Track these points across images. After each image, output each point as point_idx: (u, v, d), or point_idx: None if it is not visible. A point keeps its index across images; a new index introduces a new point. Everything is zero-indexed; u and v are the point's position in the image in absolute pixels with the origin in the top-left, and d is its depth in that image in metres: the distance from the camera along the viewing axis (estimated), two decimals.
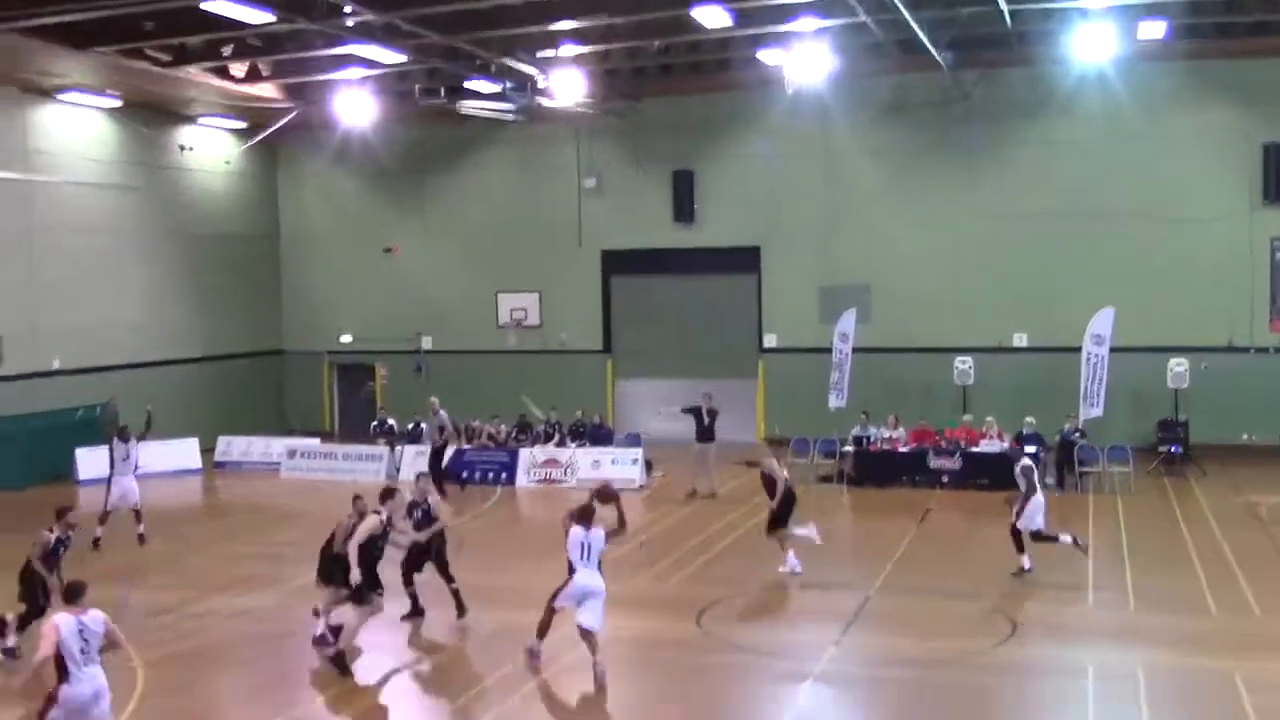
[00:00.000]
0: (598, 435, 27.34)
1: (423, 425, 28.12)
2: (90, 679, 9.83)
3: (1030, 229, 27.63)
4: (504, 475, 25.62)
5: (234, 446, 28.35)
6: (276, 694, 12.82)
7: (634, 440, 27.29)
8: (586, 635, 12.46)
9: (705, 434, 23.90)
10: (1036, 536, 16.74)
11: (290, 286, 34.18)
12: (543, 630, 12.89)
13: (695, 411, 24.14)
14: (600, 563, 12.69)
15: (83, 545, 17.63)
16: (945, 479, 23.79)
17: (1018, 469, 17.17)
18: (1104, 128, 27.14)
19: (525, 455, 25.97)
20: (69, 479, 25.22)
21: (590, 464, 25.34)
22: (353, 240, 33.11)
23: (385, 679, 13.31)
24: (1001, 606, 15.14)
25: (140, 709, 12.16)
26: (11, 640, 13.65)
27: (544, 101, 26.45)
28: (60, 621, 9.86)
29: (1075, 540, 16.84)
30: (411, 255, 32.45)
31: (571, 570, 12.65)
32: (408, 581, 15.05)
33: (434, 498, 16.16)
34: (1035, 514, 16.71)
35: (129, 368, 28.19)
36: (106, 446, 20.21)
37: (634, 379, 31.55)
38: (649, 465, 25.42)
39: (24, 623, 13.70)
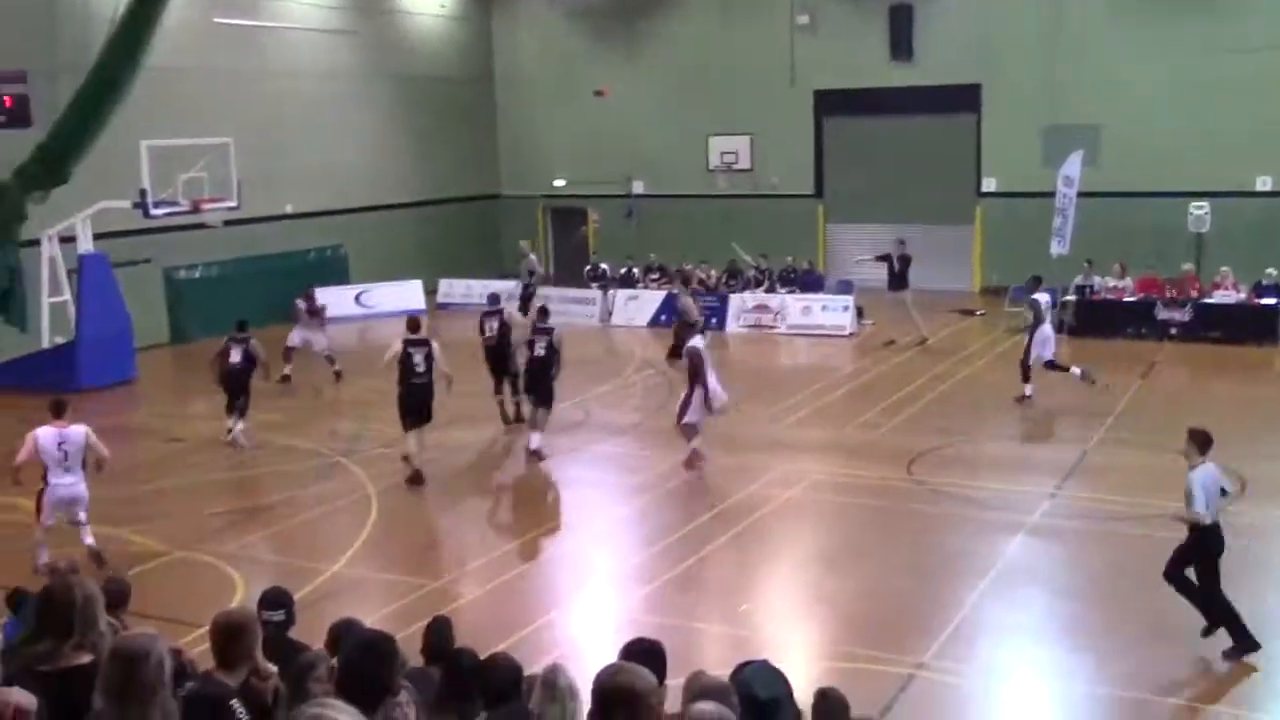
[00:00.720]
0: (808, 281, 27.11)
1: (634, 270, 28.50)
2: (67, 485, 11.62)
3: (1277, 62, 25.46)
4: (713, 320, 25.74)
5: (455, 289, 29.35)
6: (494, 524, 13.50)
7: (845, 287, 26.96)
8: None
9: (897, 282, 23.36)
10: (1050, 365, 18.00)
11: (505, 130, 34.64)
12: (689, 436, 15.09)
13: (886, 259, 23.61)
14: None
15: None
16: (1174, 331, 22.72)
17: (1027, 300, 18.74)
18: None
19: (735, 301, 26.00)
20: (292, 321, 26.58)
21: (800, 310, 25.20)
22: (565, 83, 33.17)
23: (599, 515, 13.82)
24: (1230, 464, 14.50)
25: (371, 535, 13.01)
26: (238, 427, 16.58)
27: None
28: (40, 433, 11.58)
29: (1084, 374, 17.92)
30: (622, 98, 32.33)
31: (704, 381, 14.90)
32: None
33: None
34: (1044, 344, 18.01)
35: (354, 211, 29.29)
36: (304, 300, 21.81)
37: (845, 224, 30.96)
38: (860, 312, 25.11)
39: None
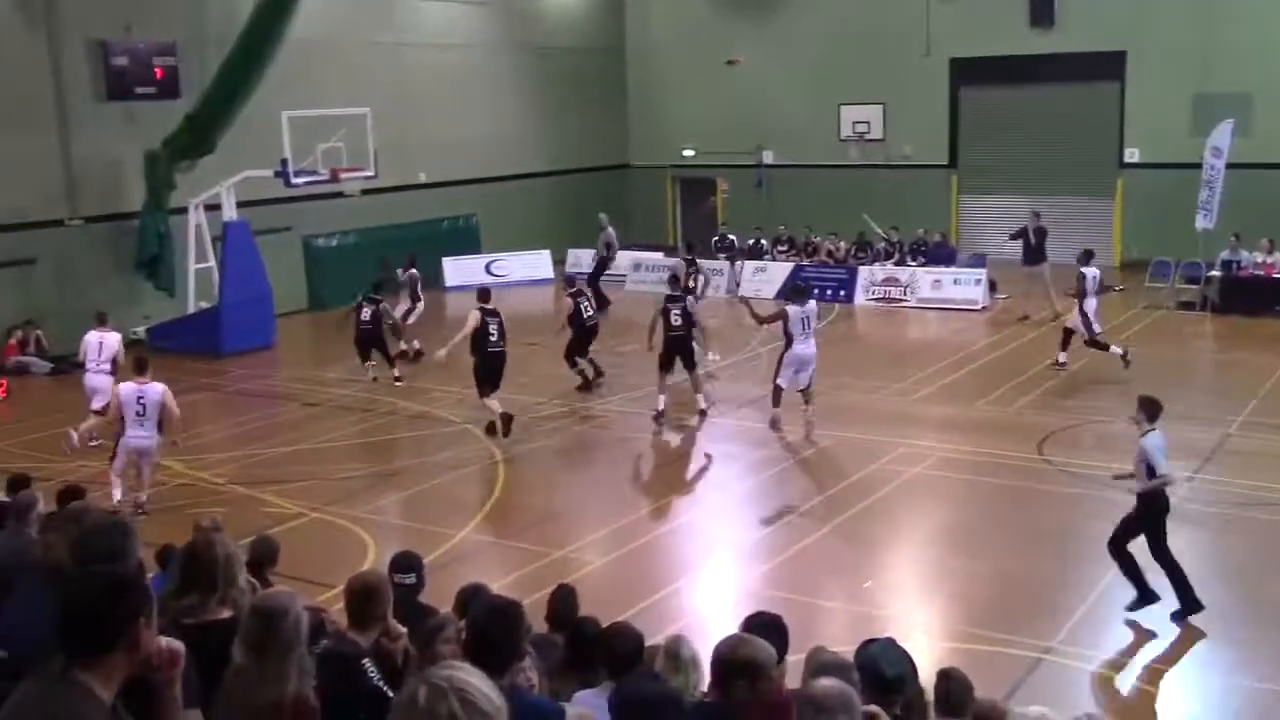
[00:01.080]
0: (939, 254, 26.63)
1: (763, 241, 28.35)
2: (140, 437, 12.54)
3: None
4: (841, 292, 25.49)
5: (582, 259, 29.53)
6: (618, 494, 13.62)
7: (978, 260, 26.41)
8: (805, 391, 15.46)
9: (1033, 255, 22.77)
10: (1092, 343, 18.17)
11: (635, 100, 34.67)
12: (776, 400, 15.53)
13: (1021, 233, 23.02)
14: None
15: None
16: None
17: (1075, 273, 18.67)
18: None
19: (864, 273, 25.67)
20: (437, 285, 27.11)
21: (930, 284, 24.78)
22: (696, 52, 33.00)
23: (723, 487, 13.84)
24: None
25: (499, 502, 13.25)
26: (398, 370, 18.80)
27: None
28: (122, 388, 12.75)
29: (1125, 354, 17.89)
30: (753, 67, 32.06)
31: (790, 342, 15.33)
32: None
33: None
34: (1094, 318, 18.23)
35: (486, 181, 29.68)
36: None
37: (979, 195, 30.30)
38: (993, 286, 24.58)
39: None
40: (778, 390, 15.65)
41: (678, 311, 16.22)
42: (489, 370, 15.53)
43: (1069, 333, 18.46)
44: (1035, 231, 22.89)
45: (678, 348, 16.24)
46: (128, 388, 12.67)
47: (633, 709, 5.05)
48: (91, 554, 4.52)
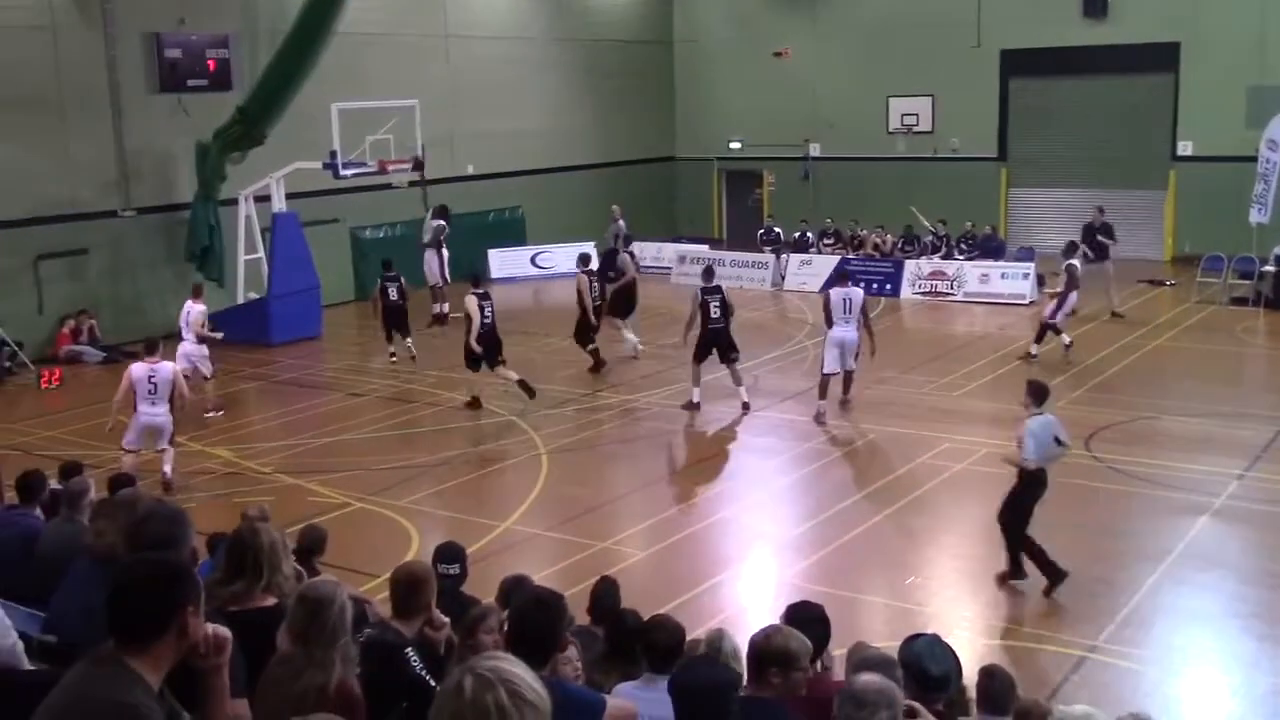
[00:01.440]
0: (988, 247, 26.40)
1: (809, 234, 28.24)
2: (152, 414, 12.90)
3: None
4: (888, 286, 25.34)
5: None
6: (661, 487, 13.63)
7: (1027, 254, 26.16)
8: (848, 374, 15.96)
9: (1098, 252, 22.51)
10: (1049, 326, 18.57)
11: (683, 92, 34.62)
12: (822, 392, 15.78)
13: (1086, 229, 22.75)
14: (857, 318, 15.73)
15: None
16: None
17: (1063, 265, 18.95)
18: None
19: (910, 266, 25.50)
20: (482, 277, 27.13)
21: (978, 278, 24.57)
22: (744, 44, 32.91)
23: (766, 481, 13.84)
24: None
25: (542, 494, 13.31)
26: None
27: None
28: (134, 368, 13.07)
29: (1068, 346, 18.44)
30: (801, 59, 31.93)
31: (830, 324, 15.71)
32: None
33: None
34: (1068, 308, 18.68)
35: (533, 173, 29.77)
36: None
37: (1029, 188, 30.02)
38: (1041, 280, 24.33)
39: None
40: (825, 381, 15.77)
41: (716, 303, 16.25)
42: (489, 348, 16.59)
43: (1046, 325, 18.82)
44: (1100, 228, 22.65)
45: (715, 340, 16.29)
46: (139, 367, 13.06)
47: (693, 695, 5.09)
48: (146, 540, 4.59)
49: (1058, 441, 10.25)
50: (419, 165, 22.34)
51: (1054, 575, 10.13)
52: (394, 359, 19.58)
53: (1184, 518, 11.93)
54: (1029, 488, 10.25)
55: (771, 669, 4.75)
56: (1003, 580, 10.38)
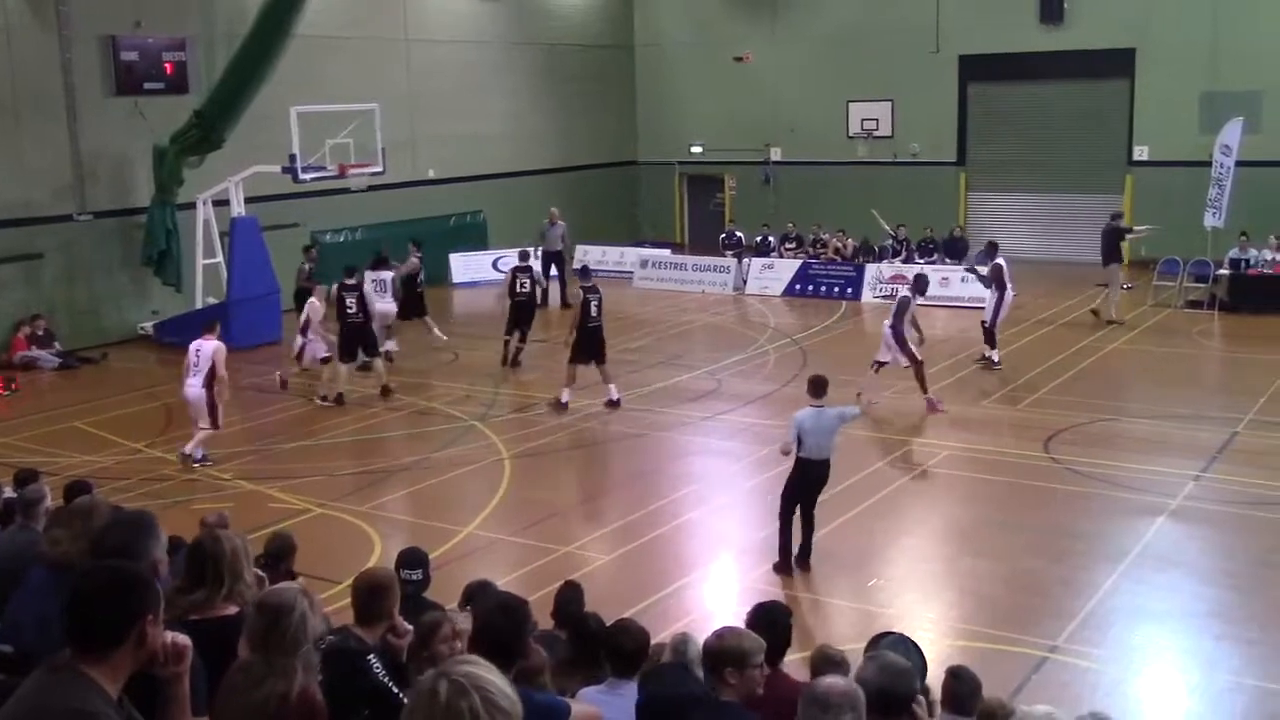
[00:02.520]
0: (952, 248, 26.56)
1: (770, 239, 28.32)
2: (189, 385, 14.04)
3: None
4: (849, 290, 25.45)
5: (589, 255, 29.50)
6: (624, 491, 13.61)
7: (982, 258, 26.25)
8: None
9: (1106, 255, 22.69)
10: (989, 333, 18.51)
11: (644, 96, 34.64)
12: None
13: (1113, 233, 22.92)
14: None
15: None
16: None
17: (989, 267, 18.81)
18: None
19: (871, 270, 25.60)
20: (444, 281, 27.11)
21: (939, 281, 24.62)
22: (705, 49, 32.97)
23: (729, 485, 13.84)
24: None
25: (504, 498, 13.26)
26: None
27: None
28: (193, 344, 14.19)
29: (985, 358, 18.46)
30: (762, 64, 32.03)
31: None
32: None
33: None
34: (1003, 309, 18.58)
35: (494, 177, 29.68)
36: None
37: (988, 192, 30.25)
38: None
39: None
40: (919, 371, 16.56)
41: (596, 302, 16.76)
42: (346, 340, 17.34)
43: (992, 329, 18.81)
44: (1109, 232, 22.86)
45: (591, 339, 16.62)
46: (194, 342, 14.20)
47: (660, 709, 5.08)
48: (108, 549, 4.52)
49: (844, 419, 11.21)
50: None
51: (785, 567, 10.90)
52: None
53: (1142, 518, 12.05)
54: (802, 474, 10.97)
55: (727, 669, 4.78)
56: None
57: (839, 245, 27.58)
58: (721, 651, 4.82)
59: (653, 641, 5.86)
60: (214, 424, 14.23)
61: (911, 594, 10.79)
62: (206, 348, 13.99)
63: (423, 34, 28.04)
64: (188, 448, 14.31)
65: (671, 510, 12.94)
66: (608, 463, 14.87)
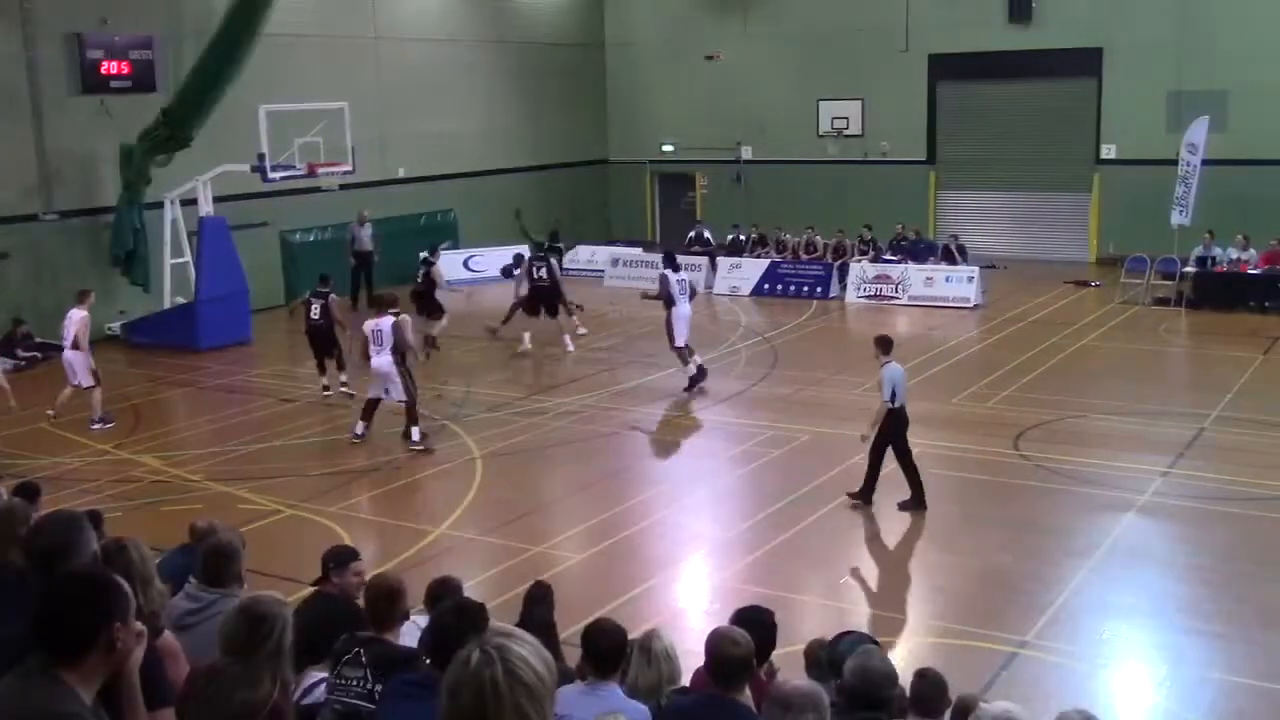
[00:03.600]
0: (915, 250, 26.70)
1: (741, 237, 28.34)
2: (377, 364, 14.83)
3: None
4: (819, 289, 25.49)
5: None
6: (596, 489, 13.61)
7: (948, 255, 26.41)
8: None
9: None
10: (680, 350, 17.35)
11: (615, 95, 34.61)
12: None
13: None
14: None
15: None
16: None
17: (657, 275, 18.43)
18: None
19: (855, 270, 25.46)
20: (412, 280, 26.91)
21: (923, 281, 24.66)
22: (676, 47, 32.98)
23: (701, 483, 13.86)
24: None
25: (476, 498, 13.23)
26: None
27: None
28: (366, 323, 15.14)
29: (693, 379, 17.27)
30: (732, 62, 32.07)
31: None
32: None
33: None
34: (678, 325, 17.25)
35: (465, 176, 29.57)
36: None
37: (957, 191, 30.41)
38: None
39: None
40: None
41: (543, 270, 20.04)
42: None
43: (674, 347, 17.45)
44: None
45: (544, 298, 20.09)
46: (368, 323, 15.06)
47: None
48: (44, 549, 4.40)
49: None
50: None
51: (919, 501, 12.31)
52: (327, 393, 17.58)
53: (1110, 514, 12.15)
54: (894, 423, 12.21)
55: (723, 667, 4.84)
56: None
57: (811, 243, 27.55)
58: (721, 654, 4.93)
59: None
60: (410, 398, 14.99)
61: (882, 591, 10.84)
62: (385, 325, 14.87)
63: (392, 32, 27.92)
64: (414, 435, 14.88)
65: (643, 509, 12.94)
66: (579, 462, 14.86)
